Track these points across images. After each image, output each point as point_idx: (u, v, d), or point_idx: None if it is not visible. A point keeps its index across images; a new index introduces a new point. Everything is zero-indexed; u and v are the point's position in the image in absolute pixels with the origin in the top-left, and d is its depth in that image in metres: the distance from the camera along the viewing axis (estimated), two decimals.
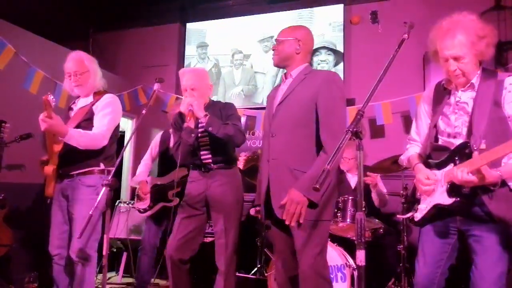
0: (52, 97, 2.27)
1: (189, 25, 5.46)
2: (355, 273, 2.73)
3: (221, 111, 2.57)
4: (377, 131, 4.28)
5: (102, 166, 2.52)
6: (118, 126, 2.63)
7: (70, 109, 2.66)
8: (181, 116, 2.59)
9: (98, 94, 2.59)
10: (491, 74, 1.76)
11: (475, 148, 1.63)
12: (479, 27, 1.70)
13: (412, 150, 1.98)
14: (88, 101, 2.57)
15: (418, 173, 1.81)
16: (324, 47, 4.76)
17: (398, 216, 2.86)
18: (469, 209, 1.69)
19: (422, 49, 3.39)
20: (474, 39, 1.68)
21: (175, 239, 2.46)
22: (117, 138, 2.65)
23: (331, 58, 4.72)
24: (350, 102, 4.26)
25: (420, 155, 1.93)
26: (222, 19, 5.32)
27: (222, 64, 5.27)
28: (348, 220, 3.01)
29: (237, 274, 2.70)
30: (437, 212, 1.76)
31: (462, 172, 1.57)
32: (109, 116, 2.51)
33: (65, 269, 2.51)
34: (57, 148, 2.43)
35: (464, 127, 1.75)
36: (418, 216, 1.84)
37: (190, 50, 5.41)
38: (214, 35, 5.35)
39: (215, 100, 2.71)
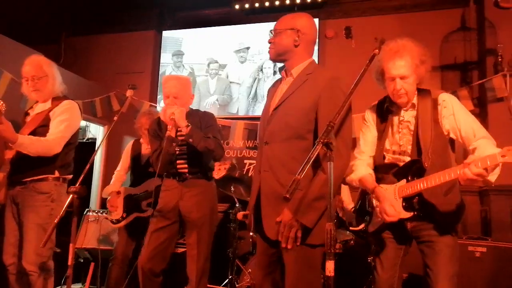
0: (2, 103, 2.15)
1: (165, 33, 5.43)
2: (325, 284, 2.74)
3: (201, 120, 2.54)
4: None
5: (57, 173, 2.43)
6: (76, 134, 2.55)
7: (27, 114, 2.58)
8: (159, 124, 2.55)
9: (56, 100, 2.51)
10: (425, 93, 1.91)
11: (426, 165, 1.78)
12: (422, 52, 1.87)
13: (362, 169, 1.99)
14: (46, 106, 2.50)
15: (382, 201, 1.84)
16: None
17: (351, 228, 2.92)
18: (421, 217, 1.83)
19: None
20: (417, 62, 1.84)
21: (147, 250, 2.40)
22: (75, 145, 2.57)
23: None
24: None
25: (372, 177, 1.96)
26: (199, 28, 5.32)
27: (197, 73, 5.25)
28: None
29: (208, 285, 2.66)
30: (391, 223, 1.87)
31: (475, 167, 1.57)
32: (65, 122, 2.42)
33: (17, 279, 2.39)
34: (9, 154, 2.36)
35: (409, 145, 1.88)
36: (371, 228, 1.96)
37: (166, 58, 5.37)
38: (190, 44, 5.33)
39: (193, 108, 2.69)
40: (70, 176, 2.53)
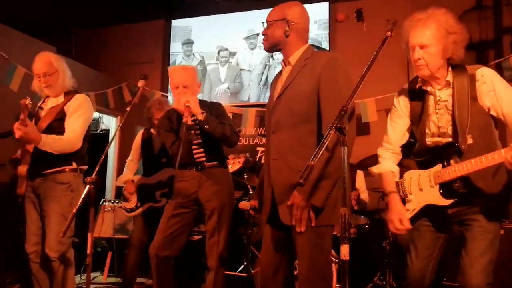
0: (29, 101, 2.24)
1: (174, 22, 5.40)
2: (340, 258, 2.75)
3: (210, 110, 2.54)
4: (362, 129, 4.31)
5: (74, 165, 2.52)
6: (89, 126, 2.63)
7: (40, 108, 2.64)
8: (169, 118, 2.57)
9: (68, 94, 2.58)
10: (461, 69, 1.78)
11: (463, 147, 1.67)
12: (450, 23, 1.73)
13: (386, 165, 1.92)
14: (59, 101, 2.55)
15: (392, 211, 1.80)
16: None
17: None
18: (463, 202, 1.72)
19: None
20: (443, 32, 1.71)
21: (160, 236, 2.43)
22: (89, 137, 2.64)
23: None
24: None
25: (395, 176, 1.90)
26: (208, 16, 5.28)
27: (207, 61, 5.23)
28: None
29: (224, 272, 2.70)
30: (428, 210, 1.79)
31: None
32: (82, 118, 2.52)
33: (41, 266, 2.49)
34: (30, 147, 2.42)
35: (449, 126, 1.76)
36: (407, 215, 1.83)
37: (176, 47, 5.36)
38: (200, 32, 5.30)
39: (200, 99, 2.68)
40: (86, 167, 2.61)
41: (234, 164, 2.81)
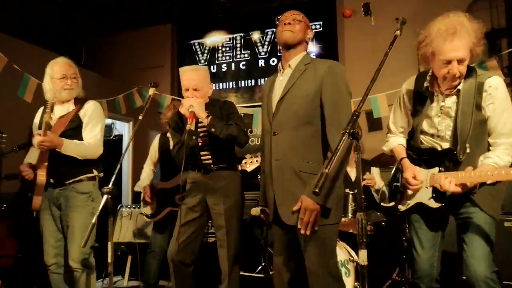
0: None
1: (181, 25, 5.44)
2: (359, 263, 2.75)
3: (221, 110, 2.54)
4: (374, 124, 4.28)
5: (95, 172, 2.55)
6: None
7: (45, 112, 2.60)
8: (180, 117, 2.56)
9: (80, 101, 2.60)
10: (471, 74, 1.78)
11: (461, 158, 1.73)
12: (479, 31, 1.72)
13: (394, 140, 2.04)
14: (70, 108, 2.55)
15: (406, 170, 1.89)
16: None
17: (381, 203, 2.88)
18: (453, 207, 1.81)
19: (416, 40, 3.39)
20: (475, 41, 1.70)
21: (175, 243, 2.44)
22: (103, 143, 2.67)
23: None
24: None
25: (404, 148, 1.99)
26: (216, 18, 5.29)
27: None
28: (350, 215, 3.02)
29: (242, 273, 2.71)
30: (421, 207, 1.86)
31: (450, 184, 1.68)
32: (99, 124, 2.57)
33: (64, 277, 2.53)
34: (46, 159, 2.44)
35: (448, 131, 1.82)
36: (402, 208, 1.96)
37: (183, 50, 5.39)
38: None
39: (213, 98, 2.67)
40: (102, 174, 2.63)
41: (252, 163, 2.81)
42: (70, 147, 2.40)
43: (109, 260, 2.06)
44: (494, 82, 1.74)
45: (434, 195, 1.80)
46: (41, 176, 2.44)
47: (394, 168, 2.10)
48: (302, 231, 1.68)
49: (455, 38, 1.67)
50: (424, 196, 1.85)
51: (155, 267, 3.28)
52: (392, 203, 2.02)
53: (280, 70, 1.94)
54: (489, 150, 1.78)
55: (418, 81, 1.92)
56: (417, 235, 1.91)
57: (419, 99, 1.89)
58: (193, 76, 2.47)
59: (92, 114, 2.55)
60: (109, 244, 2.08)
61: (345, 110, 1.74)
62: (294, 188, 1.74)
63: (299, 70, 1.85)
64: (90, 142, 2.50)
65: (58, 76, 2.53)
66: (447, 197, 1.79)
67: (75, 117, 2.51)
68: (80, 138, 2.50)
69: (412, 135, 1.97)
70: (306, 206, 1.66)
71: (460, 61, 1.70)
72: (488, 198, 1.76)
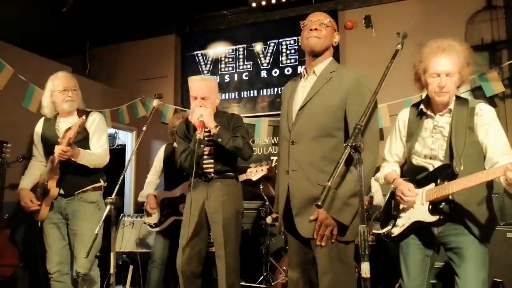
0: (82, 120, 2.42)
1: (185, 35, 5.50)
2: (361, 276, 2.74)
3: (229, 122, 2.59)
4: None
5: (101, 182, 2.64)
6: None
7: (55, 129, 2.68)
8: (187, 125, 2.61)
9: (82, 112, 2.68)
10: (463, 101, 1.87)
11: (458, 170, 1.75)
12: (468, 54, 1.82)
13: (388, 167, 2.06)
14: (75, 119, 2.60)
15: (400, 185, 1.89)
16: None
17: (374, 231, 2.89)
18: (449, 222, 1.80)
19: (417, 51, 3.43)
20: (463, 63, 1.80)
21: (183, 253, 2.45)
22: None
23: None
24: None
25: (397, 173, 2.02)
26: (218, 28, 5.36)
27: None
28: None
29: (244, 283, 2.71)
30: (417, 228, 1.86)
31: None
32: (104, 135, 2.67)
33: (68, 285, 2.58)
34: (56, 170, 2.50)
35: (441, 150, 1.84)
36: (395, 231, 1.93)
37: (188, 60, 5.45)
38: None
39: (221, 110, 2.73)
40: (105, 184, 2.70)
41: (258, 172, 2.82)
42: (85, 157, 2.49)
43: (111, 270, 2.07)
44: (484, 107, 1.82)
45: (430, 207, 1.80)
46: (54, 188, 2.50)
47: (388, 195, 2.09)
48: (318, 242, 1.65)
49: (444, 54, 1.79)
50: (420, 213, 1.84)
51: (157, 277, 3.27)
52: (384, 230, 1.99)
53: (304, 76, 1.86)
54: None
55: (412, 108, 2.01)
56: (405, 263, 1.91)
57: (414, 123, 1.96)
58: (202, 85, 2.52)
59: (97, 125, 2.65)
60: (112, 254, 2.10)
61: (371, 125, 1.68)
62: (313, 199, 1.64)
63: (324, 78, 1.77)
64: (100, 152, 2.59)
65: (59, 89, 2.60)
66: (446, 209, 1.78)
67: (83, 128, 2.58)
68: (87, 149, 2.57)
69: (405, 162, 2.02)
70: (322, 220, 1.64)
71: (447, 75, 1.79)
72: (480, 222, 1.75)
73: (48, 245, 2.55)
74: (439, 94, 1.81)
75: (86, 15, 4.91)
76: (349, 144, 1.32)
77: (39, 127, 2.69)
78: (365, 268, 1.24)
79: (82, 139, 2.57)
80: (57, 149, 2.36)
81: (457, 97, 1.89)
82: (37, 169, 2.66)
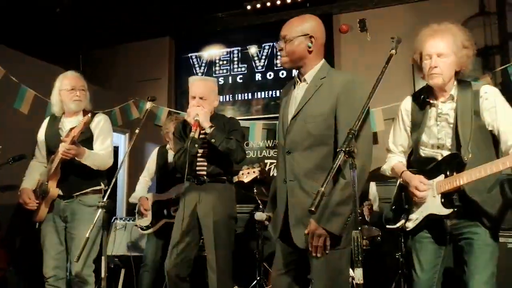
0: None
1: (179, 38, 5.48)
2: (354, 282, 2.73)
3: (225, 125, 2.59)
4: None
5: (102, 185, 2.59)
6: None
7: (58, 128, 2.66)
8: (184, 126, 2.60)
9: (87, 113, 2.59)
10: (466, 84, 1.83)
11: (466, 159, 1.71)
12: (465, 37, 1.80)
13: (394, 159, 2.02)
14: (79, 119, 2.57)
15: (411, 179, 1.86)
16: None
17: (387, 226, 2.87)
18: (462, 215, 1.77)
19: (411, 55, 3.44)
20: (458, 45, 1.77)
21: (172, 256, 2.44)
22: None
23: None
24: None
25: (403, 164, 1.99)
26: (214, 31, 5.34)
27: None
28: None
29: None
30: (430, 221, 1.83)
31: None
32: (109, 137, 2.64)
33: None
34: (57, 170, 2.45)
35: (448, 138, 1.81)
36: (410, 225, 1.90)
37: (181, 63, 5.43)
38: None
39: (219, 113, 2.73)
40: (108, 188, 2.63)
41: (249, 174, 2.81)
42: (90, 157, 2.46)
43: (102, 274, 2.06)
44: (489, 89, 1.79)
45: (443, 200, 1.76)
46: (54, 188, 2.46)
47: (396, 187, 2.05)
48: (313, 254, 1.62)
49: (437, 35, 1.78)
50: (433, 206, 1.81)
51: (148, 281, 3.24)
52: (398, 224, 1.95)
53: (297, 82, 1.83)
54: (497, 157, 1.76)
55: (414, 96, 1.97)
56: (418, 256, 1.88)
57: (417, 112, 1.91)
58: (201, 85, 2.54)
59: (103, 127, 2.62)
60: (103, 258, 2.08)
61: (363, 131, 1.63)
62: (306, 211, 1.58)
63: (315, 86, 1.73)
64: (104, 153, 2.56)
65: (67, 88, 2.58)
66: (458, 201, 1.75)
67: (86, 129, 2.52)
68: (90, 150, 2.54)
69: (412, 152, 1.97)
70: (311, 230, 1.61)
71: (440, 56, 1.76)
72: (492, 212, 1.72)
73: (45, 248, 2.52)
74: (431, 76, 1.78)
75: (80, 17, 4.88)
76: (343, 149, 1.31)
77: (43, 127, 2.68)
78: (359, 274, 1.22)
79: (85, 140, 2.51)
80: (62, 147, 2.33)
81: (459, 81, 1.83)
82: (38, 170, 2.63)
